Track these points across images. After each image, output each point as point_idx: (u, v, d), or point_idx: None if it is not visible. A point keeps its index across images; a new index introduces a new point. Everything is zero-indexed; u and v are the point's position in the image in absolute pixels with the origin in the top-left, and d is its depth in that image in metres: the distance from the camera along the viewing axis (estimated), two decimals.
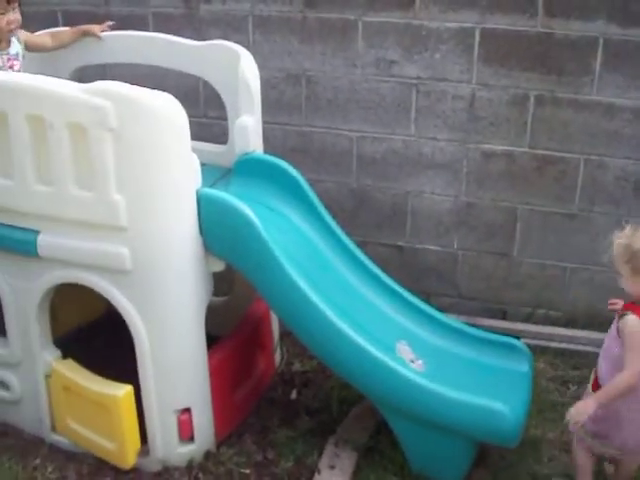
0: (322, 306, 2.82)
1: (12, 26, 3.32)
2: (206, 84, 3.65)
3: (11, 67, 3.40)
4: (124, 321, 2.94)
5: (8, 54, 3.39)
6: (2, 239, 2.99)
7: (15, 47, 3.43)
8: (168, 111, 2.69)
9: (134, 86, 2.70)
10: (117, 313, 2.96)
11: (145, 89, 2.69)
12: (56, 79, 2.89)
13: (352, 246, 3.25)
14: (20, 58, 3.44)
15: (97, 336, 3.69)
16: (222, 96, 3.39)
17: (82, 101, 2.66)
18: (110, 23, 3.60)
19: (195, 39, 3.57)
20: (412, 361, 2.94)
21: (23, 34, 3.49)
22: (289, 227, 3.17)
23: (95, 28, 3.60)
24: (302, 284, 2.82)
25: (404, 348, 3.00)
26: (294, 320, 2.93)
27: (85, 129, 2.67)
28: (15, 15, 3.31)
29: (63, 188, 2.78)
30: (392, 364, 2.78)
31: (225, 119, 3.51)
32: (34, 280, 3.00)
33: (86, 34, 3.61)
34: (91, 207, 2.76)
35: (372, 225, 4.02)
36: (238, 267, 2.97)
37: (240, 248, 2.87)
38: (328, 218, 3.24)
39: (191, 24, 4.04)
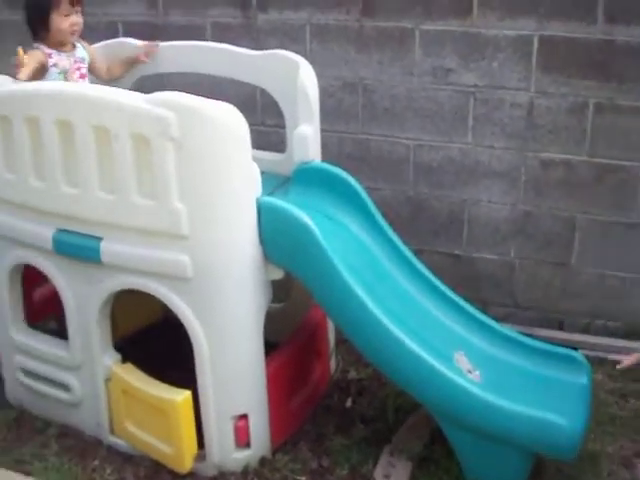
0: (379, 314, 2.82)
1: (75, 28, 3.38)
2: (263, 92, 3.68)
3: (78, 69, 3.47)
4: (182, 326, 2.97)
5: (75, 56, 3.46)
6: (67, 245, 3.05)
7: (81, 51, 3.50)
8: (230, 121, 2.73)
9: (196, 96, 2.74)
10: (175, 318, 3.00)
11: (206, 99, 2.73)
12: (120, 90, 2.95)
13: (409, 255, 3.25)
14: (86, 63, 3.51)
15: (155, 340, 3.76)
16: (281, 105, 3.42)
17: (145, 112, 2.71)
18: (155, 44, 3.64)
19: (253, 48, 3.60)
20: (469, 371, 2.94)
21: (91, 48, 3.57)
22: (347, 235, 3.18)
23: (141, 56, 3.66)
24: (360, 292, 2.83)
25: (461, 358, 2.99)
26: (351, 327, 2.94)
27: (148, 139, 2.72)
28: (78, 18, 3.38)
29: (126, 196, 2.83)
30: (450, 374, 2.78)
31: (282, 127, 3.54)
32: (96, 286, 3.06)
33: (135, 64, 3.69)
34: (153, 215, 2.81)
35: (428, 233, 4.02)
36: (296, 275, 2.99)
37: (299, 256, 2.89)
38: (386, 227, 3.24)
39: (249, 33, 4.08)
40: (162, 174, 2.73)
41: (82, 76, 3.49)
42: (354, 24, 3.88)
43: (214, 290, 2.87)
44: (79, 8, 3.39)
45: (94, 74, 3.59)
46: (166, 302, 2.95)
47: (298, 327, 3.47)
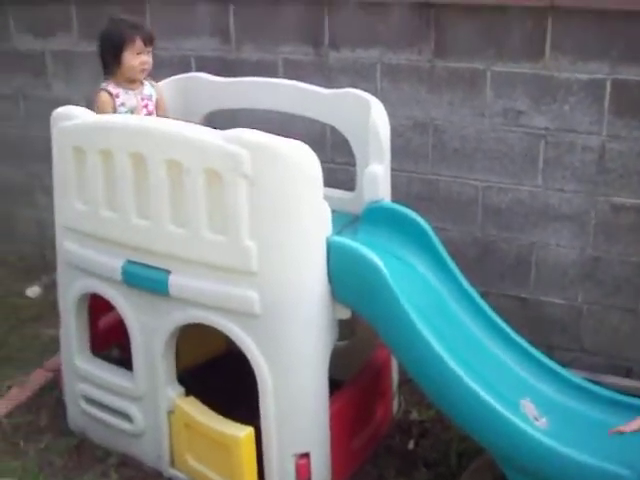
0: (445, 356, 2.79)
1: (145, 67, 3.46)
2: (333, 130, 3.70)
3: (145, 107, 3.55)
4: (245, 360, 2.97)
5: (142, 94, 3.54)
6: (135, 277, 3.09)
7: (149, 89, 3.58)
8: (302, 160, 2.74)
9: (269, 134, 2.76)
10: (238, 351, 3.00)
11: (280, 137, 2.75)
12: (193, 125, 2.99)
13: (477, 297, 3.22)
14: (153, 100, 3.58)
15: (218, 373, 3.77)
16: (351, 143, 3.43)
17: (219, 148, 2.74)
18: None
19: (324, 86, 3.63)
20: (536, 418, 2.89)
21: (158, 86, 3.65)
22: (415, 276, 3.16)
23: None
24: (426, 334, 2.80)
25: (528, 405, 2.94)
26: (417, 368, 2.91)
27: (221, 175, 2.74)
28: (149, 58, 3.47)
29: (197, 231, 2.86)
30: (516, 420, 2.73)
31: (351, 165, 3.55)
32: (163, 318, 3.08)
33: None
34: (223, 251, 2.83)
35: (495, 275, 3.98)
36: (364, 314, 2.98)
37: (367, 296, 2.88)
38: (454, 268, 3.22)
39: (320, 71, 4.10)
40: (233, 210, 2.75)
41: (149, 113, 3.57)
42: (425, 64, 3.88)
43: (281, 327, 2.87)
44: (151, 48, 3.47)
45: (159, 112, 3.64)
46: (232, 337, 2.96)
47: (363, 366, 3.45)
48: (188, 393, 3.24)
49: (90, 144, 3.09)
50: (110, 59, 3.48)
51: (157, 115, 3.59)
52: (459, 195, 3.97)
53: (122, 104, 3.47)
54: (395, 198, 3.42)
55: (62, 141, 3.23)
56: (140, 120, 3.20)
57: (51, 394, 3.93)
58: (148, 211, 2.97)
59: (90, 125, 3.14)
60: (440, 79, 3.88)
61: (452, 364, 2.78)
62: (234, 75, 3.89)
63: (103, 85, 3.51)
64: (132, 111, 3.50)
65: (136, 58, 3.44)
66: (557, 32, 3.65)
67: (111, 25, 3.53)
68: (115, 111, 3.46)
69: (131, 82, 3.50)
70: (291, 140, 2.75)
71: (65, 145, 3.20)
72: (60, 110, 3.27)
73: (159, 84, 3.68)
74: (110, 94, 3.47)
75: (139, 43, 3.42)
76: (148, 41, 3.45)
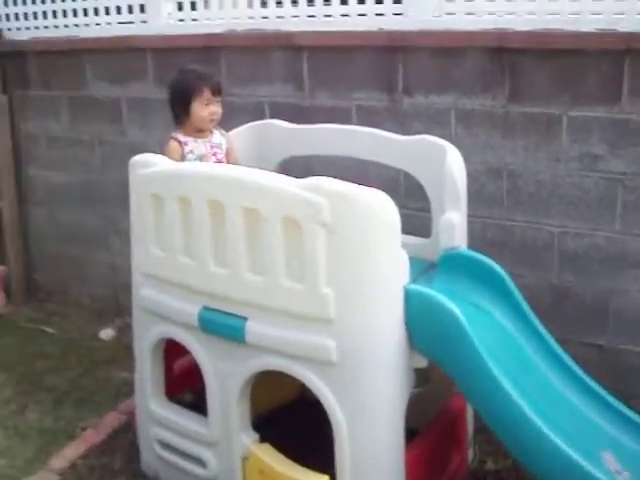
0: (523, 406, 2.74)
1: (214, 117, 3.51)
2: (407, 175, 3.69)
3: (214, 154, 3.59)
4: (318, 406, 2.96)
5: (211, 142, 3.58)
6: (212, 323, 3.10)
7: (218, 137, 3.62)
8: (381, 208, 2.74)
9: (346, 182, 2.77)
10: (311, 398, 3.00)
11: (358, 185, 2.75)
12: (270, 173, 3.02)
13: (555, 345, 3.16)
14: (223, 148, 3.62)
15: (291, 419, 3.76)
16: (426, 190, 3.43)
17: (298, 196, 2.75)
18: None
19: (397, 131, 3.64)
20: (618, 472, 2.81)
21: (228, 135, 3.69)
22: (492, 324, 3.12)
23: None
24: (505, 383, 2.76)
25: (609, 457, 2.87)
26: (494, 418, 2.86)
27: (299, 223, 2.75)
28: (217, 108, 3.51)
29: (274, 278, 2.87)
30: (599, 475, 2.66)
31: (425, 210, 3.54)
32: (239, 365, 3.09)
33: None
34: (300, 298, 2.83)
35: (572, 323, 3.90)
36: (440, 362, 2.95)
37: (444, 344, 2.85)
38: (531, 316, 3.17)
39: (394, 117, 4.10)
40: (312, 258, 2.76)
41: (218, 161, 3.61)
42: (500, 109, 3.86)
43: (357, 375, 2.85)
44: (219, 98, 3.52)
45: (230, 160, 3.67)
46: (308, 385, 2.94)
47: (438, 414, 3.41)
48: (262, 439, 3.23)
49: (168, 191, 3.13)
50: (179, 109, 3.54)
51: (228, 163, 3.63)
52: (534, 240, 3.93)
53: (191, 151, 3.53)
54: (469, 244, 3.40)
55: (140, 188, 3.28)
56: (218, 168, 3.23)
57: (125, 437, 3.96)
58: (225, 258, 3.00)
59: (168, 173, 3.19)
60: (515, 124, 3.85)
61: (530, 414, 2.73)
62: (308, 121, 3.93)
63: (173, 133, 3.58)
64: (201, 159, 3.55)
65: (204, 109, 3.48)
66: (634, 75, 3.61)
67: (180, 76, 3.59)
68: (183, 159, 3.51)
69: (200, 131, 3.55)
70: (369, 188, 2.75)
71: (143, 192, 3.25)
72: (138, 158, 3.33)
73: (230, 133, 3.73)
74: (179, 142, 3.53)
75: (207, 94, 3.47)
76: (216, 91, 3.50)
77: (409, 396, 3.01)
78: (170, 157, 3.42)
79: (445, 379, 3.21)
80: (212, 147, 3.58)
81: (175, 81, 3.59)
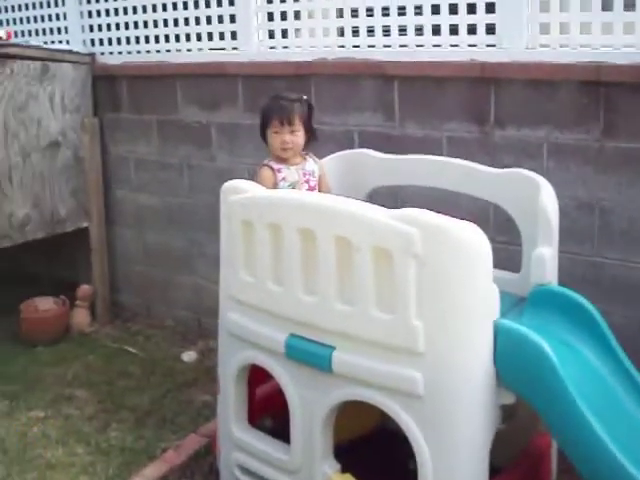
0: (615, 450, 2.66)
1: (284, 146, 3.57)
2: (497, 208, 3.65)
3: (307, 182, 3.63)
4: (398, 437, 2.94)
5: (304, 169, 3.63)
6: (299, 351, 3.10)
7: (311, 165, 3.67)
8: (475, 242, 2.71)
9: (438, 214, 2.75)
10: (392, 428, 2.98)
11: (451, 218, 2.73)
12: (362, 202, 3.01)
13: None
14: (316, 176, 3.66)
15: (371, 449, 3.73)
16: (518, 224, 3.38)
17: (390, 227, 2.74)
18: None
19: (487, 164, 3.62)
20: None
21: (321, 162, 3.73)
22: (583, 363, 3.06)
23: None
24: (595, 425, 2.69)
25: None
26: (583, 460, 2.78)
27: (391, 254, 2.74)
28: (290, 137, 3.57)
29: (363, 308, 2.85)
30: None
31: (513, 244, 3.50)
32: (324, 393, 3.07)
33: None
34: (389, 330, 2.81)
35: None
36: (528, 400, 2.89)
37: (533, 382, 2.79)
38: (623, 357, 3.09)
39: (484, 148, 4.08)
40: (402, 289, 2.74)
41: (310, 188, 3.65)
42: (594, 144, 3.80)
43: (444, 409, 2.81)
44: (293, 128, 3.57)
45: (322, 188, 3.71)
46: (393, 417, 2.91)
47: (522, 452, 3.35)
48: (343, 470, 3.21)
49: (259, 218, 3.14)
50: (262, 136, 3.68)
51: (319, 192, 3.65)
52: (626, 279, 3.84)
53: (283, 179, 3.58)
54: (558, 280, 3.34)
55: (231, 214, 3.30)
56: (310, 196, 3.24)
57: (205, 460, 3.97)
58: (315, 286, 3.00)
59: (259, 199, 3.21)
60: (608, 159, 3.79)
61: (623, 460, 2.65)
62: (397, 151, 3.92)
63: (266, 161, 3.64)
64: (294, 186, 3.59)
65: (275, 137, 3.58)
66: None
67: (266, 102, 3.69)
68: (276, 186, 3.56)
69: (281, 159, 3.62)
70: (462, 220, 2.73)
71: (234, 218, 3.27)
72: (230, 184, 3.35)
73: (322, 161, 3.75)
74: (272, 169, 3.59)
75: (275, 122, 3.56)
76: (286, 121, 3.55)
77: (495, 433, 2.97)
78: (262, 184, 3.46)
79: (530, 417, 3.18)
80: (305, 174, 3.64)
81: (262, 107, 3.70)
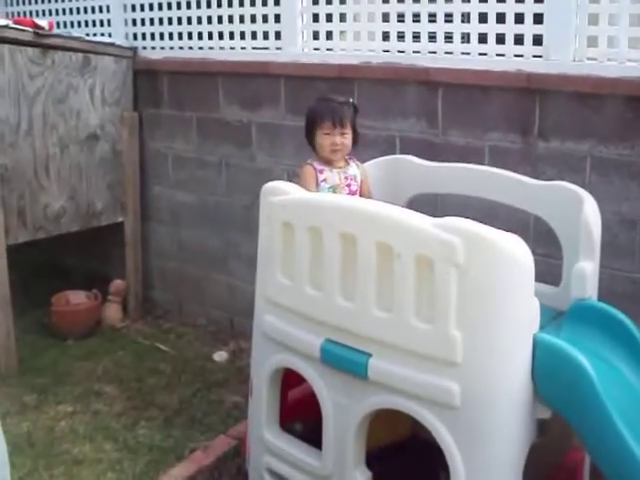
0: None
1: (334, 148, 3.56)
2: (537, 220, 3.62)
3: (348, 186, 3.62)
4: (429, 447, 2.92)
5: (346, 173, 3.62)
6: (335, 356, 3.07)
7: (354, 169, 3.66)
8: (517, 253, 2.68)
9: (481, 224, 2.72)
10: (423, 438, 2.96)
11: (494, 229, 2.70)
12: (406, 210, 2.99)
13: None
14: (358, 180, 3.65)
15: (402, 458, 3.70)
16: (559, 237, 3.35)
17: (432, 235, 2.71)
18: None
19: (529, 175, 3.59)
20: None
21: (364, 167, 3.73)
22: (621, 380, 3.01)
23: None
24: (633, 444, 2.65)
25: None
26: (617, 476, 2.73)
27: (432, 262, 2.72)
28: (341, 139, 3.56)
29: (402, 317, 2.83)
30: None
31: (552, 257, 3.46)
32: (358, 400, 3.05)
33: None
34: (428, 339, 2.78)
35: None
36: (565, 416, 2.84)
37: (571, 397, 2.75)
38: None
39: (526, 159, 4.04)
40: (442, 299, 2.71)
41: (351, 192, 3.63)
42: (638, 159, 3.76)
43: (480, 421, 2.78)
44: (344, 130, 3.56)
45: (363, 193, 3.69)
46: (428, 427, 2.88)
47: (554, 468, 3.32)
48: (375, 477, 3.18)
49: (299, 220, 3.13)
50: (308, 138, 3.67)
51: (360, 196, 3.63)
52: None
53: (324, 180, 3.58)
54: (598, 295, 3.30)
55: (271, 215, 3.29)
56: (353, 200, 3.22)
57: (233, 461, 3.97)
58: (353, 292, 2.97)
59: (301, 202, 3.19)
60: None
61: None
62: (439, 159, 3.90)
63: (309, 160, 3.64)
64: (334, 189, 3.58)
65: (325, 139, 3.56)
66: None
67: (314, 104, 3.68)
68: (317, 187, 3.56)
69: (327, 161, 3.61)
70: (506, 232, 2.70)
71: (274, 219, 3.26)
72: (270, 185, 3.34)
73: (364, 165, 3.73)
74: (315, 169, 3.59)
75: (327, 124, 3.54)
76: (338, 123, 3.54)
77: (530, 447, 2.94)
78: (304, 182, 3.49)
79: (563, 432, 3.14)
80: (347, 178, 3.62)
81: (309, 108, 3.69)
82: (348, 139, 3.59)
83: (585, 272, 3.12)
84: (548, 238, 3.54)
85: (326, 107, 3.59)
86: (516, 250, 2.70)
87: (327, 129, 3.55)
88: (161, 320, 5.93)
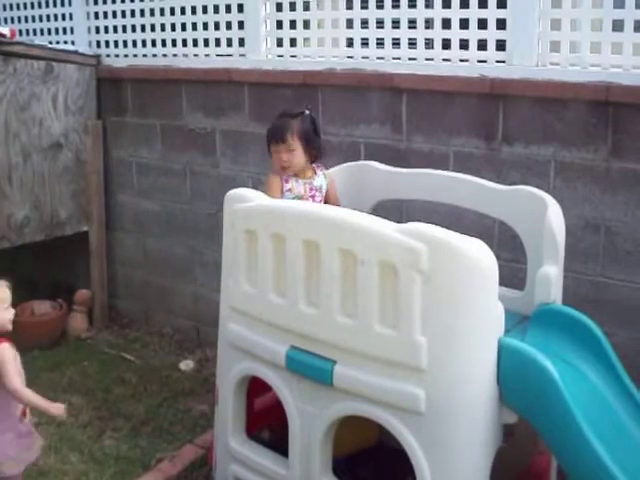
0: (615, 471, 2.62)
1: (281, 164, 3.57)
2: (501, 226, 3.63)
3: (312, 197, 3.61)
4: (395, 454, 2.91)
5: (311, 184, 3.62)
6: (299, 364, 3.06)
7: (320, 180, 3.65)
8: (482, 258, 2.68)
9: (446, 229, 2.72)
10: (389, 445, 2.96)
11: (458, 234, 2.70)
12: (369, 215, 2.99)
13: None
14: (323, 191, 3.65)
15: (367, 465, 3.70)
16: (524, 242, 3.35)
17: (396, 241, 2.70)
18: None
19: (493, 180, 3.59)
20: None
21: (331, 177, 3.73)
22: (585, 383, 3.02)
23: None
24: (598, 447, 2.65)
25: None
26: None
27: (396, 268, 2.71)
28: (286, 156, 3.55)
29: (366, 323, 2.81)
30: None
31: (516, 262, 3.47)
32: (324, 408, 3.03)
33: None
34: (392, 345, 2.77)
35: None
36: (530, 420, 2.84)
37: (536, 401, 2.75)
38: (626, 378, 3.06)
39: (491, 164, 4.05)
40: (407, 305, 2.70)
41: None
42: (601, 164, 3.78)
43: (445, 427, 2.77)
44: (290, 146, 3.54)
45: (330, 201, 3.69)
46: (393, 433, 2.87)
47: (520, 472, 3.32)
48: None
49: (263, 228, 3.11)
50: (268, 152, 3.68)
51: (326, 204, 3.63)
52: (629, 300, 3.82)
53: (289, 190, 3.57)
54: (562, 299, 3.31)
55: (234, 223, 3.26)
56: (316, 207, 3.19)
57: (200, 471, 3.95)
58: (317, 299, 2.96)
59: (264, 209, 3.17)
60: (616, 179, 3.76)
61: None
62: (403, 164, 3.91)
63: (273, 171, 3.65)
64: (298, 199, 3.56)
65: (274, 156, 3.60)
66: None
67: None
68: (282, 195, 3.55)
69: (297, 173, 3.61)
70: (470, 238, 2.70)
71: (237, 227, 3.23)
72: (234, 192, 3.32)
73: (330, 172, 3.72)
74: (280, 178, 3.58)
75: (272, 142, 3.59)
76: (280, 140, 3.54)
77: (496, 452, 2.94)
78: (269, 190, 3.50)
79: (529, 437, 3.14)
80: (311, 189, 3.62)
81: None
82: (296, 155, 3.55)
83: (549, 276, 3.13)
84: (513, 243, 3.56)
85: (272, 124, 3.63)
86: (480, 255, 2.69)
87: (274, 146, 3.58)
88: (127, 329, 5.88)
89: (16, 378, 3.35)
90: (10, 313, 3.51)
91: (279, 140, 3.54)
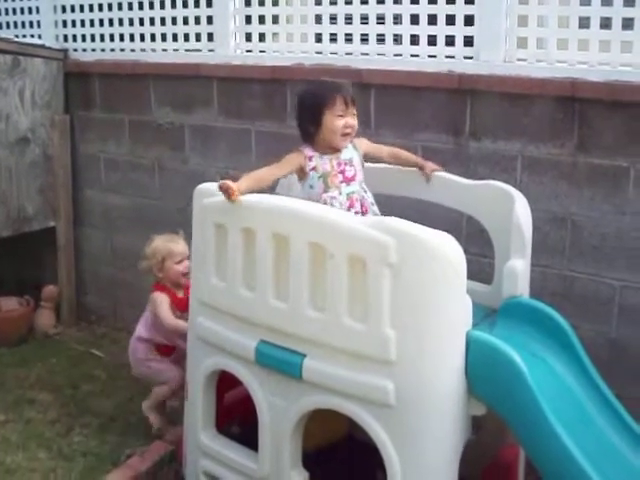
0: (582, 462, 2.67)
1: (347, 130, 3.30)
2: (469, 220, 3.66)
3: (342, 172, 3.35)
4: (365, 446, 2.93)
5: (338, 159, 3.36)
6: (269, 357, 3.07)
7: (349, 152, 3.40)
8: (450, 252, 2.70)
9: (414, 224, 2.74)
10: (360, 438, 2.98)
11: (426, 228, 2.72)
12: (339, 211, 3.00)
13: (615, 402, 3.08)
14: (355, 163, 3.40)
15: (337, 458, 3.71)
16: (491, 236, 3.39)
17: (365, 235, 2.72)
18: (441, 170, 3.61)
19: (461, 175, 3.62)
20: None
21: (364, 144, 3.52)
22: (552, 375, 3.06)
23: (428, 167, 3.61)
24: (564, 437, 2.69)
25: None
26: (551, 472, 2.77)
27: (365, 262, 2.72)
28: (352, 120, 3.31)
29: (335, 316, 2.83)
30: None
31: (484, 256, 3.49)
32: (294, 401, 3.05)
33: (421, 168, 3.63)
34: (361, 338, 2.79)
35: (629, 379, 3.82)
36: (498, 411, 2.88)
37: (504, 393, 2.79)
38: (592, 369, 3.10)
39: (458, 159, 4.08)
40: (375, 298, 2.72)
41: (346, 179, 3.35)
42: (567, 158, 3.82)
43: (415, 419, 2.79)
44: (354, 110, 3.32)
45: (372, 158, 3.57)
46: (363, 426, 2.89)
47: (489, 464, 3.34)
48: (312, 478, 3.18)
49: (232, 222, 3.12)
50: (310, 124, 3.33)
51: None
52: (595, 293, 3.87)
53: (313, 168, 3.32)
54: (529, 292, 3.34)
55: (204, 217, 3.27)
56: (285, 201, 3.18)
57: (170, 467, 3.93)
58: (287, 293, 2.97)
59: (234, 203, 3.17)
60: (581, 174, 3.81)
61: (588, 469, 2.65)
62: (370, 160, 3.90)
63: (302, 147, 3.38)
64: (325, 177, 3.32)
65: (338, 121, 3.27)
66: None
67: (310, 86, 3.44)
68: (305, 176, 3.35)
69: (330, 148, 3.34)
70: (438, 231, 2.72)
71: (207, 221, 3.24)
72: (203, 186, 3.32)
73: (363, 142, 3.54)
74: (305, 156, 3.34)
75: (340, 104, 3.26)
76: (350, 102, 3.28)
77: (465, 444, 2.96)
78: (284, 167, 3.32)
79: (498, 428, 3.17)
80: (339, 164, 3.35)
81: (305, 92, 3.42)
82: (356, 121, 3.33)
83: (516, 270, 3.16)
84: (480, 237, 3.58)
85: (333, 86, 3.31)
86: (448, 249, 2.72)
87: (340, 110, 3.26)
88: (95, 325, 5.86)
89: None
90: None
91: (349, 103, 3.26)
